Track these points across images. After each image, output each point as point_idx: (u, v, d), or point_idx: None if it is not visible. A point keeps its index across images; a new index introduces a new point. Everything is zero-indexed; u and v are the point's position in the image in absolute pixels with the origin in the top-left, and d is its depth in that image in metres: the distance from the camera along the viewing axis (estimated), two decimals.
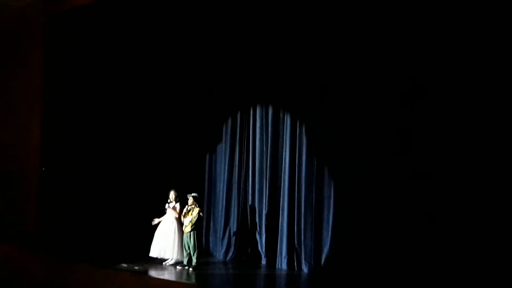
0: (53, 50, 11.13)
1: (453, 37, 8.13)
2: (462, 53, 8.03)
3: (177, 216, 9.82)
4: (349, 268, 9.01)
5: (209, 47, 11.22)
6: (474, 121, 7.91)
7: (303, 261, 9.61)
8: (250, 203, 10.68)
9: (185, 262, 9.57)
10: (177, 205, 9.86)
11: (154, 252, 9.84)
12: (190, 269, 9.41)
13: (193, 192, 9.72)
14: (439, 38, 8.27)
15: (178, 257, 9.74)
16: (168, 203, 9.98)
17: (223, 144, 11.31)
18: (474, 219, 7.78)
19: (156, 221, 9.98)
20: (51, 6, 11.17)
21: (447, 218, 8.03)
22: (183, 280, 8.74)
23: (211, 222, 11.35)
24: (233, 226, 10.84)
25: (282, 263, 9.87)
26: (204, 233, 11.21)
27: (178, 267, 9.52)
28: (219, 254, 10.91)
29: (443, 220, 8.08)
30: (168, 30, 11.27)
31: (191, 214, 9.57)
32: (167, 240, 9.78)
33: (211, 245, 11.26)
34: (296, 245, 9.75)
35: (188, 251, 9.56)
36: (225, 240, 10.89)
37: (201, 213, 9.69)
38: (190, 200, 9.61)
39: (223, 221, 11.03)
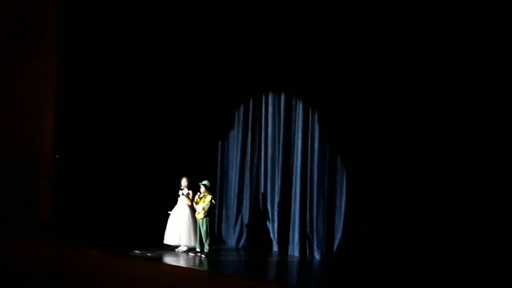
0: (67, 40, 11.11)
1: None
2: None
3: (189, 203, 9.85)
4: (361, 255, 9.00)
5: (223, 33, 11.16)
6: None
7: (315, 248, 9.62)
8: (262, 190, 10.69)
9: (197, 249, 9.63)
10: (190, 192, 9.88)
11: (168, 239, 9.91)
12: (203, 255, 9.46)
13: (205, 180, 9.73)
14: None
15: (191, 243, 9.79)
16: (181, 190, 10.00)
17: (236, 131, 11.28)
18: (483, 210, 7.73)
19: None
20: None
21: (463, 208, 7.97)
22: (196, 266, 8.82)
23: (224, 209, 11.37)
24: (246, 213, 10.85)
25: (294, 250, 9.88)
26: (216, 220, 11.24)
27: (191, 254, 9.58)
28: (232, 241, 10.94)
29: (458, 209, 8.02)
30: (182, 17, 11.24)
31: (203, 201, 9.60)
32: (181, 227, 9.83)
33: (223, 232, 11.30)
34: (308, 232, 9.75)
35: (201, 238, 9.59)
36: (238, 227, 10.91)
37: (213, 201, 9.72)
38: (202, 188, 9.63)
39: (235, 208, 11.04)
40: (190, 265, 8.91)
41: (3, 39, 11.96)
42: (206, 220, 9.56)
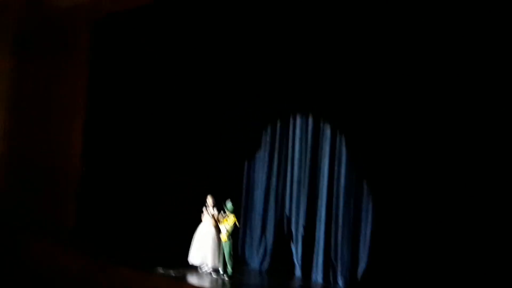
0: (98, 52, 11.34)
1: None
2: None
3: (215, 223, 9.85)
4: (386, 283, 8.87)
5: (254, 54, 11.21)
6: None
7: (339, 274, 9.52)
8: (287, 212, 10.63)
9: (221, 270, 9.61)
10: (215, 211, 9.89)
11: (193, 259, 9.91)
12: (226, 277, 9.44)
13: (229, 201, 9.72)
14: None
15: (215, 264, 9.78)
16: (206, 208, 10.01)
17: (262, 152, 11.27)
18: None
19: None
20: (97, 8, 11.37)
21: (491, 241, 7.84)
22: (218, 287, 8.79)
23: (248, 230, 11.32)
24: (269, 235, 10.79)
25: (317, 276, 9.79)
26: (240, 242, 11.19)
27: (214, 275, 9.57)
28: (254, 263, 10.87)
29: (489, 240, 7.88)
30: (209, 34, 11.33)
31: (226, 221, 9.59)
32: (205, 246, 9.83)
33: (246, 253, 11.23)
34: (332, 258, 9.66)
35: (224, 259, 9.59)
36: (261, 249, 10.85)
37: (237, 223, 9.68)
38: (226, 210, 9.63)
39: (259, 230, 10.99)
40: (213, 286, 8.93)
41: (37, 54, 12.23)
42: (230, 241, 9.54)
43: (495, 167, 7.92)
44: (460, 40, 8.31)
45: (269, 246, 10.73)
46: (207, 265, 9.82)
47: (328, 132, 10.07)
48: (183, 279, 9.20)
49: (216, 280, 9.33)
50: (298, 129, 10.59)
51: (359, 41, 9.57)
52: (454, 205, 8.26)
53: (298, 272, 10.20)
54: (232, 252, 9.58)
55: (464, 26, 8.25)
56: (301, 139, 10.54)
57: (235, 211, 9.74)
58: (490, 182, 7.92)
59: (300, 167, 10.51)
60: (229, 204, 9.67)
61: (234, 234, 9.73)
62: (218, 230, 9.80)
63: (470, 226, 8.06)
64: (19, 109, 12.29)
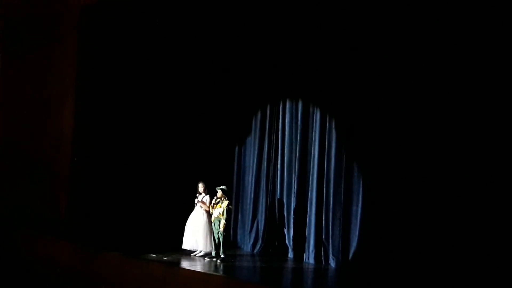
0: (87, 41, 11.24)
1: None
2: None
3: (206, 208, 9.89)
4: (377, 263, 8.97)
5: (243, 41, 11.23)
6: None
7: (330, 255, 9.60)
8: (278, 196, 10.71)
9: (213, 254, 9.66)
10: (207, 198, 9.93)
11: (186, 245, 9.96)
12: (218, 261, 9.49)
13: (222, 185, 9.78)
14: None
15: (207, 249, 9.84)
16: (198, 194, 10.04)
17: (252, 137, 11.34)
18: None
19: None
20: None
21: (481, 216, 7.91)
22: (211, 271, 8.83)
23: (239, 215, 11.42)
24: (261, 219, 10.88)
25: (309, 257, 9.89)
26: (232, 226, 11.26)
27: (207, 259, 9.62)
28: (247, 247, 10.98)
29: (473, 216, 7.97)
30: (200, 22, 11.32)
31: (220, 206, 9.63)
32: (197, 232, 9.88)
33: (239, 237, 11.35)
34: (324, 239, 9.75)
35: (217, 243, 9.63)
36: (253, 233, 10.95)
37: (230, 206, 9.76)
38: (219, 193, 9.68)
39: (251, 214, 11.08)
40: (206, 270, 8.92)
41: (25, 44, 12.14)
42: (223, 225, 9.58)
43: (480, 148, 8.01)
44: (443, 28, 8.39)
45: (261, 230, 10.82)
46: (200, 250, 9.86)
47: (317, 115, 10.13)
48: (176, 264, 9.22)
49: (209, 263, 9.37)
50: (288, 114, 10.65)
51: (347, 27, 9.61)
52: (443, 184, 8.35)
53: (290, 254, 10.30)
54: (224, 236, 9.61)
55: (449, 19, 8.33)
56: (290, 123, 10.61)
57: (227, 195, 9.79)
58: (477, 163, 8.00)
59: (290, 151, 10.58)
60: (223, 186, 9.74)
61: (227, 218, 9.74)
62: (210, 216, 9.84)
63: (458, 206, 8.15)
64: (7, 101, 12.22)
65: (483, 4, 7.93)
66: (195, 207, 10.07)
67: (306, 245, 9.99)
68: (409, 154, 8.78)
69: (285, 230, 10.47)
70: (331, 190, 9.70)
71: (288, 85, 10.69)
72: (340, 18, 9.68)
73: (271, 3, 10.26)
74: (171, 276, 8.80)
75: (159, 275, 8.89)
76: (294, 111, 10.58)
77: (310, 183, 10.09)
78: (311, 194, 10.03)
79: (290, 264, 9.96)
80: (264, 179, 11.00)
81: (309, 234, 9.96)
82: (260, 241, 10.78)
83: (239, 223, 11.40)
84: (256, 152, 11.17)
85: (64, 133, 11.23)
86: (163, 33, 11.58)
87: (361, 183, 9.41)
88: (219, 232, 9.57)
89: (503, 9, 7.72)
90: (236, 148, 11.65)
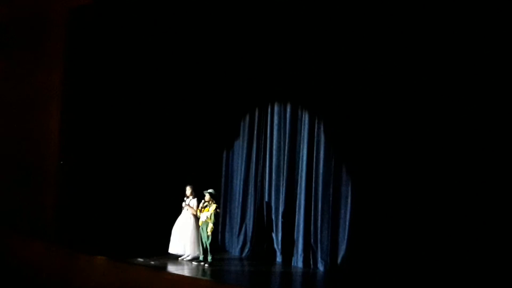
0: (75, 42, 11.16)
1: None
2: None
3: (194, 212, 9.83)
4: (366, 267, 8.97)
5: (229, 42, 11.19)
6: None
7: (319, 259, 9.58)
8: (266, 200, 10.66)
9: (201, 258, 9.60)
10: (194, 201, 9.86)
11: (173, 249, 9.89)
12: (206, 265, 9.44)
13: (210, 188, 9.72)
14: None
15: (195, 253, 9.77)
16: (186, 198, 9.98)
17: (241, 141, 11.28)
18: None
19: None
20: None
21: (468, 218, 7.95)
22: (199, 275, 8.78)
23: (227, 219, 11.36)
24: (249, 222, 10.82)
25: (298, 261, 9.85)
26: (220, 230, 11.23)
27: (194, 263, 9.55)
28: (235, 251, 10.90)
29: (463, 220, 8.00)
30: (188, 26, 11.30)
31: (207, 210, 9.58)
32: (185, 236, 9.81)
33: (226, 241, 11.28)
34: (312, 243, 9.73)
35: (204, 247, 9.58)
36: (241, 237, 10.89)
37: (218, 210, 9.71)
38: (207, 197, 9.62)
39: (239, 218, 11.02)
40: (193, 274, 8.86)
41: (12, 45, 12.05)
42: (210, 229, 9.52)
43: (471, 144, 8.04)
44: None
45: (249, 233, 10.76)
46: (188, 254, 9.80)
47: (306, 119, 10.10)
48: (163, 268, 9.15)
49: (197, 267, 9.31)
50: (276, 117, 10.61)
51: (335, 31, 9.61)
52: (432, 187, 8.37)
53: (278, 258, 10.25)
54: (211, 240, 9.55)
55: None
56: (279, 126, 10.57)
57: (215, 199, 9.74)
58: (468, 163, 8.04)
59: (279, 155, 10.54)
60: (211, 190, 9.68)
61: (215, 221, 9.71)
62: (197, 219, 9.78)
63: (447, 209, 8.18)
64: None
65: (476, 4, 7.94)
66: (183, 211, 10.01)
67: (295, 249, 9.95)
68: (398, 157, 8.80)
69: (274, 233, 10.42)
70: (320, 194, 9.68)
71: (276, 88, 10.65)
72: (328, 22, 9.69)
73: (259, 8, 10.25)
74: (158, 280, 8.75)
75: (146, 279, 8.83)
76: (282, 114, 10.54)
77: (299, 186, 10.06)
78: (300, 198, 9.99)
79: (278, 268, 9.92)
80: (253, 182, 10.94)
81: (298, 237, 9.92)
82: (248, 245, 10.72)
83: (227, 226, 11.34)
84: (244, 156, 11.11)
85: (51, 135, 11.14)
86: (151, 35, 11.52)
87: (349, 186, 9.42)
88: (207, 236, 9.51)
89: (502, 9, 7.73)
90: (224, 152, 11.59)
